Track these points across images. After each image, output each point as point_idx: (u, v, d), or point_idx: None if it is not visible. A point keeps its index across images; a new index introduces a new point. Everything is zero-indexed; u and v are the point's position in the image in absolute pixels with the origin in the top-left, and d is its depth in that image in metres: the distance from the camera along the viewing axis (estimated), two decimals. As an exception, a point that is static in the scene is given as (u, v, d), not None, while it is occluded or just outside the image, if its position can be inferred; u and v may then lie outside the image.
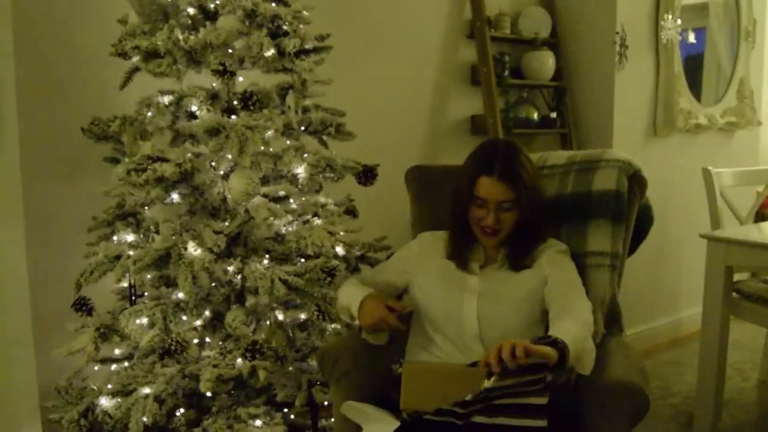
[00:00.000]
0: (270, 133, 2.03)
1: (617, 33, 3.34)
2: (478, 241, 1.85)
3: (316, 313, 2.05)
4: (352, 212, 2.35)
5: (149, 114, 2.10)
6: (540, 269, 1.81)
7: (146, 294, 2.15)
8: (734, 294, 2.74)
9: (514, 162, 1.75)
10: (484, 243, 1.84)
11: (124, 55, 2.05)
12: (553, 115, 3.53)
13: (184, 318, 2.00)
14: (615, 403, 1.52)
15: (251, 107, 1.99)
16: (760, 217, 3.29)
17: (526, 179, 1.75)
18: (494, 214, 1.75)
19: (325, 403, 2.11)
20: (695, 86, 3.81)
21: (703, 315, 2.60)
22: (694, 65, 3.86)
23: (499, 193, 1.73)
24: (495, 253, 1.86)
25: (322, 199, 2.24)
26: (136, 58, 2.03)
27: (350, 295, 1.84)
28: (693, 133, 3.79)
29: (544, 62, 3.46)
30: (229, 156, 2.02)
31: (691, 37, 3.73)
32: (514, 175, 1.73)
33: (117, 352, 2.18)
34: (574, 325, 1.58)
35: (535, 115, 3.47)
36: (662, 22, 3.51)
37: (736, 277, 2.68)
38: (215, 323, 2.10)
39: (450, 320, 1.78)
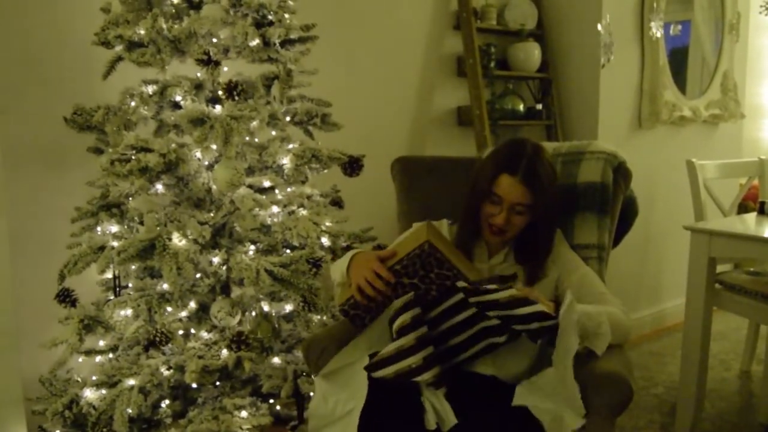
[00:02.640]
0: (255, 123, 2.03)
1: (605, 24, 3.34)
2: (482, 236, 1.83)
3: (301, 304, 2.05)
4: (338, 203, 2.35)
5: (133, 104, 2.08)
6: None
7: (130, 285, 2.14)
8: (717, 285, 2.77)
9: (539, 166, 1.71)
10: (488, 239, 1.82)
11: (107, 44, 2.04)
12: (539, 106, 3.54)
13: (169, 309, 1.99)
14: (599, 393, 1.52)
15: (236, 97, 1.98)
16: (742, 208, 3.32)
17: (546, 185, 1.72)
18: (506, 214, 1.71)
19: (311, 394, 2.11)
20: (680, 79, 3.82)
21: (687, 306, 2.61)
22: (678, 58, 3.87)
23: (517, 194, 1.70)
24: (498, 249, 1.85)
25: (307, 189, 2.24)
26: (119, 48, 2.02)
27: (341, 262, 1.74)
28: (677, 125, 3.81)
29: (530, 54, 3.46)
30: (214, 146, 2.01)
31: (677, 30, 3.74)
32: (535, 179, 1.69)
33: (101, 343, 2.17)
34: (592, 307, 1.61)
35: (521, 107, 3.47)
36: (648, 15, 3.52)
37: (719, 268, 2.69)
38: (200, 314, 2.10)
39: None
